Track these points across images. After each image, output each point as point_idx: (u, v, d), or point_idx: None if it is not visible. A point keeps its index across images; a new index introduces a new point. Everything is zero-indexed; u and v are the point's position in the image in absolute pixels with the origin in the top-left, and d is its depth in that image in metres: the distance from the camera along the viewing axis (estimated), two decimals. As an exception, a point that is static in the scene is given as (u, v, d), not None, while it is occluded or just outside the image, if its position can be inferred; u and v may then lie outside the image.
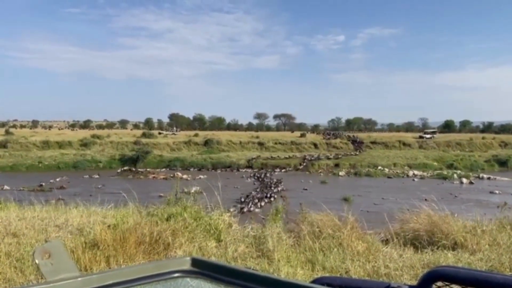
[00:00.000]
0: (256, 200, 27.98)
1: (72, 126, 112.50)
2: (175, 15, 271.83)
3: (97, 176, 42.53)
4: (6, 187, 31.53)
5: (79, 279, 0.97)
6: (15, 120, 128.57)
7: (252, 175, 43.77)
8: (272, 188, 34.52)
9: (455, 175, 44.89)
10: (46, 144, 55.86)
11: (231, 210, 8.50)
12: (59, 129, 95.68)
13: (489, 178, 43.77)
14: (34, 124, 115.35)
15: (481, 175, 45.64)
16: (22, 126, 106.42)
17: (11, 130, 74.43)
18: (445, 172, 47.03)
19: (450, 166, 51.10)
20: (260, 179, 40.31)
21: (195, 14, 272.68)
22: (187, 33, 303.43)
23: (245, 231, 6.49)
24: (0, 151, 52.28)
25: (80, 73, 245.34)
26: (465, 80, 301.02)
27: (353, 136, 67.18)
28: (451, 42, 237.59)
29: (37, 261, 0.96)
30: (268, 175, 42.92)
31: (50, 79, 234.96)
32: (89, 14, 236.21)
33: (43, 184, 34.97)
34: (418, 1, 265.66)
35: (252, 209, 24.89)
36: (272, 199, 28.75)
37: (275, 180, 38.93)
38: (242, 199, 27.74)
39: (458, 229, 6.05)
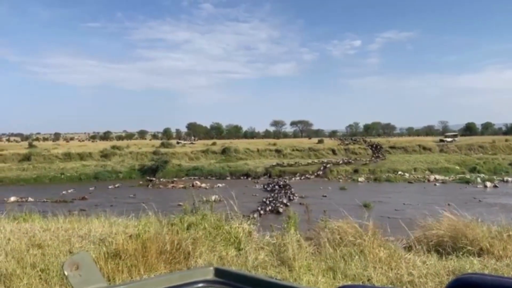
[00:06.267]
0: (270, 207, 28.01)
1: (93, 137, 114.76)
2: (191, 26, 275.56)
3: (118, 186, 43.18)
4: (30, 199, 32.27)
5: None
6: (38, 133, 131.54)
7: (266, 183, 43.31)
8: (287, 194, 34.37)
9: (478, 179, 43.74)
10: (68, 156, 57.11)
11: (250, 217, 8.50)
12: (80, 141, 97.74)
13: (514, 181, 42.57)
14: (56, 136, 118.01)
15: (505, 178, 44.34)
16: (44, 139, 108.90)
17: (34, 143, 76.33)
18: (468, 176, 45.86)
19: (473, 170, 49.84)
20: (272, 186, 39.86)
21: (211, 24, 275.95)
22: (203, 43, 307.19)
23: (264, 239, 6.47)
24: (24, 164, 53.73)
25: (99, 86, 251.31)
26: (485, 82, 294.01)
27: (372, 141, 66.37)
28: (469, 44, 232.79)
29: (66, 273, 0.99)
30: (281, 182, 42.50)
31: (71, 92, 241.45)
32: (107, 27, 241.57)
33: (65, 193, 35.74)
34: (435, 3, 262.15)
35: (268, 215, 24.95)
36: (288, 205, 28.69)
37: (288, 186, 38.69)
38: (259, 207, 27.76)
39: (483, 235, 5.89)
